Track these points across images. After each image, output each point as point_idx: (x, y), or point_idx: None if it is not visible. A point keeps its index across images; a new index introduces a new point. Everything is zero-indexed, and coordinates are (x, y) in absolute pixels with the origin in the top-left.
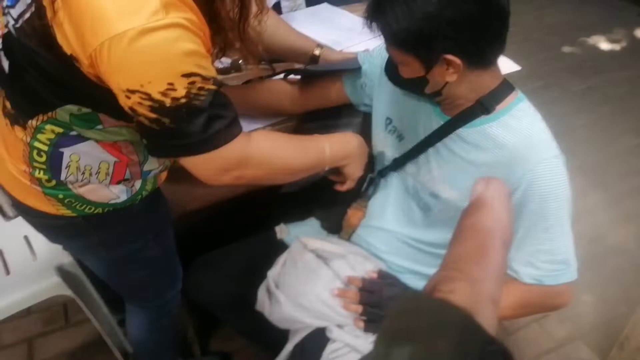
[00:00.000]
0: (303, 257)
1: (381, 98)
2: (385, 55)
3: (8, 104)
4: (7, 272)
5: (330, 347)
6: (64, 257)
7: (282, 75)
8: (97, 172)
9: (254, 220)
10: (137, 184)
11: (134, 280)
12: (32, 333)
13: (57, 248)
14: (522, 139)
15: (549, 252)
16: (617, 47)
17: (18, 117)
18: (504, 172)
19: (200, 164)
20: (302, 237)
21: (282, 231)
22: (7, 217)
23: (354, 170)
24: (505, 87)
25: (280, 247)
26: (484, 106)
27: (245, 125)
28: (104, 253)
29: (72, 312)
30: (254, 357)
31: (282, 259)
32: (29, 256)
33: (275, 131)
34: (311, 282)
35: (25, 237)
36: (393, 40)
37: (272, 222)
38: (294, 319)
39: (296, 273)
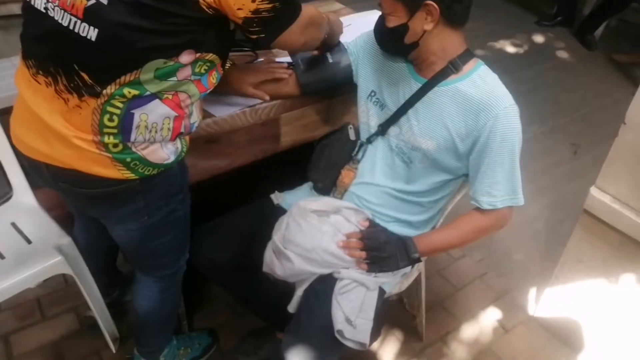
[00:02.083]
0: (306, 218)
1: (365, 75)
2: (366, 39)
3: (85, 76)
4: (1, 257)
5: (339, 284)
6: (62, 238)
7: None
8: (161, 128)
9: (251, 190)
10: (179, 145)
11: (159, 245)
12: (7, 329)
13: (53, 230)
14: (487, 93)
15: (502, 182)
16: (520, 50)
17: (95, 85)
18: (471, 120)
19: (290, 31)
20: (299, 201)
21: (278, 197)
22: None
23: None
24: (469, 54)
25: (277, 212)
26: (454, 66)
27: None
28: (145, 218)
29: (47, 306)
30: (237, 331)
31: (283, 222)
32: (22, 241)
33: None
34: (317, 238)
35: (13, 224)
36: None
37: (268, 191)
38: (305, 271)
39: (302, 232)
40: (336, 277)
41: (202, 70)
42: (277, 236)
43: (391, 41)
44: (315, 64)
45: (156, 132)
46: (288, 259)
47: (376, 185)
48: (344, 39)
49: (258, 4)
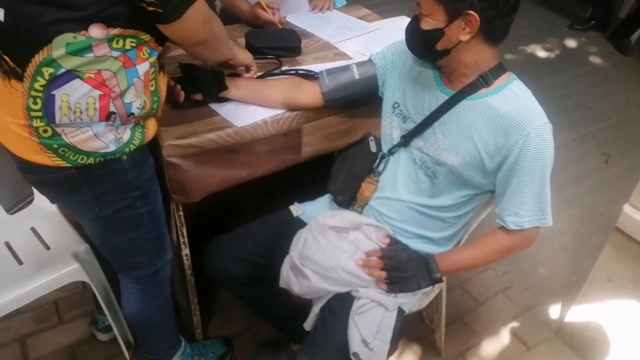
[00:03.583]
0: (325, 234)
1: (391, 86)
2: (395, 51)
3: (7, 58)
4: (20, 262)
5: (357, 304)
6: (79, 245)
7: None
8: (86, 109)
9: (271, 202)
10: (126, 136)
11: (124, 242)
12: (24, 332)
13: (71, 236)
14: (519, 109)
15: (531, 202)
16: (551, 54)
17: (16, 68)
18: (501, 137)
19: (193, 15)
20: (317, 214)
21: (297, 209)
22: (9, 211)
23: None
24: (501, 67)
25: (296, 224)
26: (484, 80)
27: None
28: (97, 210)
29: (64, 310)
30: (252, 340)
31: (302, 237)
32: (40, 247)
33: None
34: (336, 256)
35: (33, 229)
36: None
37: (288, 201)
38: (323, 289)
39: (320, 250)
40: (354, 295)
41: (128, 47)
42: (294, 252)
43: (422, 44)
44: (340, 78)
45: (81, 112)
46: (305, 276)
47: (397, 200)
48: (372, 48)
49: None
